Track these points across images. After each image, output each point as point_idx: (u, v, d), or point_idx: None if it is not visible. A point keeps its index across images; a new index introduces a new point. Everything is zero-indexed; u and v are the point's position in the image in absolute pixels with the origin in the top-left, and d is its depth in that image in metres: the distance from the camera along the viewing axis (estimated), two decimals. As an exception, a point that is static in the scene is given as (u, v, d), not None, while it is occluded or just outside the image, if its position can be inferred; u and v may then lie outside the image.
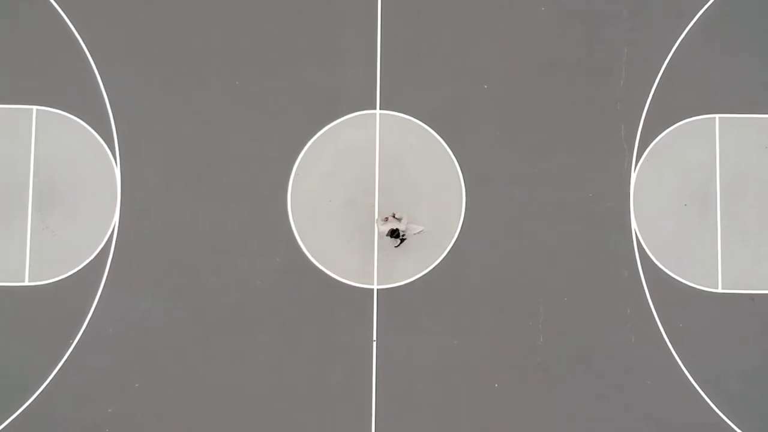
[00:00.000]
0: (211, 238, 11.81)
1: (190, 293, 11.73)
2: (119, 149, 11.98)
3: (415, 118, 12.00)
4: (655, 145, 12.09)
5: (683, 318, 11.84)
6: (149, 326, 11.70)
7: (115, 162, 11.97)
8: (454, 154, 11.97)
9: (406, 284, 11.75)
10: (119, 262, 11.76)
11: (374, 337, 11.61)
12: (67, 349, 11.66)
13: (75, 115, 12.06)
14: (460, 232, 11.86)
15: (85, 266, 11.82)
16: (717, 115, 12.13)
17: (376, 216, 11.06)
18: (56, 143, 11.99)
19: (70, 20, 12.19)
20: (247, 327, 11.73)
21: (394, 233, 10.98)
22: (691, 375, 11.73)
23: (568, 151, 12.00)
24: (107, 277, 11.79)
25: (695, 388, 11.71)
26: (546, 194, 11.91)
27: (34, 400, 11.55)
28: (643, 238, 11.91)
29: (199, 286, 11.73)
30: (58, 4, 12.16)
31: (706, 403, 11.68)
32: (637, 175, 12.01)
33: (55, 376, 11.59)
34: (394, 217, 11.09)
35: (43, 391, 11.58)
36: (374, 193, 11.86)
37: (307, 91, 12.04)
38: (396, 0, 12.10)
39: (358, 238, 11.86)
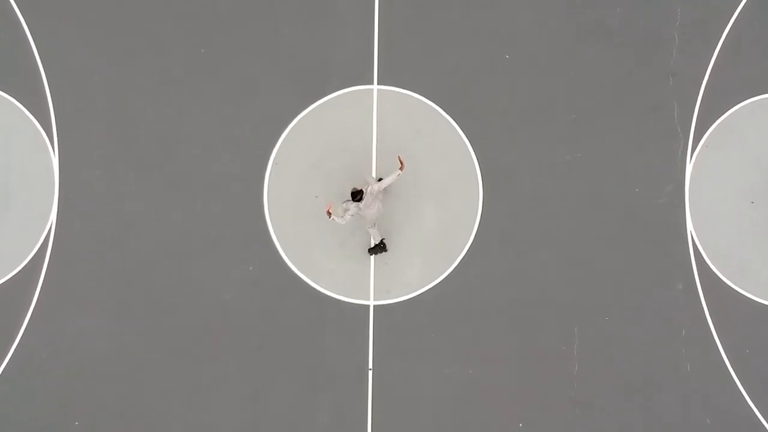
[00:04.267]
0: (168, 243, 10.85)
1: (143, 310, 10.77)
2: (57, 133, 10.94)
3: (421, 95, 11.05)
4: (715, 128, 11.00)
5: (750, 342, 10.75)
6: (92, 351, 10.71)
7: (53, 148, 10.93)
8: (469, 140, 11.01)
9: (409, 299, 10.86)
10: (56, 271, 10.78)
11: (370, 365, 10.73)
12: (-8, 379, 10.71)
13: (2, 91, 10.99)
14: (475, 236, 10.91)
15: (14, 276, 10.79)
16: (790, 92, 11.10)
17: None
18: (-21, 125, 10.96)
19: (-4, -27, 11.12)
20: (213, 352, 10.76)
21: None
22: (759, 411, 10.67)
23: (608, 135, 10.98)
24: (41, 289, 10.76)
25: (765, 428, 10.67)
26: (582, 189, 10.92)
27: (-51, 442, 10.61)
28: (701, 243, 10.87)
29: (154, 302, 10.78)
30: (-18, -47, 11.05)
31: (778, 446, 10.68)
32: (694, 166, 10.97)
33: (-25, 412, 10.64)
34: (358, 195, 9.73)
35: (-40, 431, 10.63)
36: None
37: (288, 61, 11.05)
38: (398, -51, 11.11)
39: (350, 243, 10.90)
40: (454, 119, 10.99)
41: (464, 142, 10.98)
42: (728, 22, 11.04)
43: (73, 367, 10.67)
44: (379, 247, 10.59)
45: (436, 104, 10.99)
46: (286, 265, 10.82)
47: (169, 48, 11.02)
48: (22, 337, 10.64)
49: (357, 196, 9.51)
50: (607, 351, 10.70)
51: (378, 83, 11.01)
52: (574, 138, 10.96)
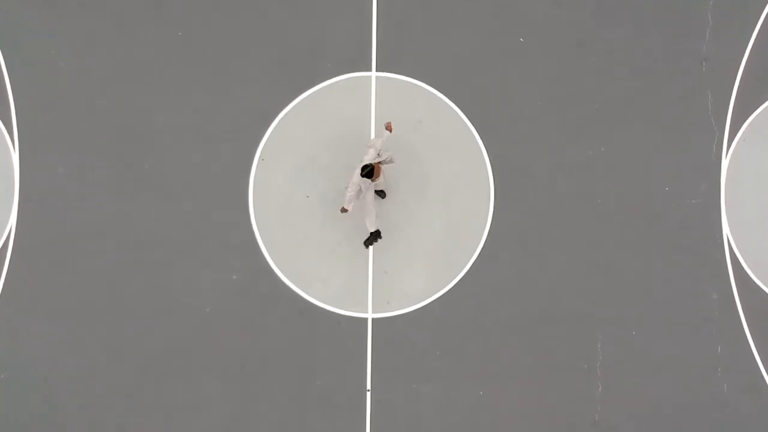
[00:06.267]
0: (142, 249, 10.68)
1: (113, 324, 10.55)
2: (18, 127, 10.82)
3: (424, 82, 10.95)
4: (754, 120, 10.87)
5: (794, 359, 10.69)
6: (56, 369, 10.45)
7: (12, 144, 10.82)
8: (479, 133, 10.88)
9: (411, 312, 10.66)
10: (15, 280, 10.61)
11: (368, 386, 10.49)
12: (-57, 402, 10.48)
13: (-44, 79, 10.99)
14: (486, 241, 10.72)
15: (-32, 287, 10.75)
16: (836, 80, 11.00)
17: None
18: (-70, 117, 10.94)
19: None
20: (192, 371, 10.51)
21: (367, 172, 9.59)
22: (805, 438, 10.55)
23: (634, 128, 10.87)
24: (-1, 301, 10.69)
25: (811, 456, 10.49)
26: (604, 188, 10.77)
27: None
28: (738, 248, 10.66)
29: (126, 315, 10.57)
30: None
31: (826, 476, 10.50)
32: (730, 162, 10.83)
33: (-75, 439, 10.45)
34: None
35: None
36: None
37: (277, 45, 10.96)
38: None
39: (345, 248, 10.69)
40: (461, 109, 10.90)
41: (473, 134, 10.86)
42: (767, 4, 10.88)
43: (35, 387, 10.41)
44: (374, 236, 10.46)
45: (442, 93, 10.89)
46: (273, 273, 10.67)
47: (143, 31, 10.94)
48: (-23, 354, 10.39)
49: (367, 170, 9.39)
50: (633, 369, 10.49)
51: (376, 69, 10.96)
52: (596, 131, 10.82)
